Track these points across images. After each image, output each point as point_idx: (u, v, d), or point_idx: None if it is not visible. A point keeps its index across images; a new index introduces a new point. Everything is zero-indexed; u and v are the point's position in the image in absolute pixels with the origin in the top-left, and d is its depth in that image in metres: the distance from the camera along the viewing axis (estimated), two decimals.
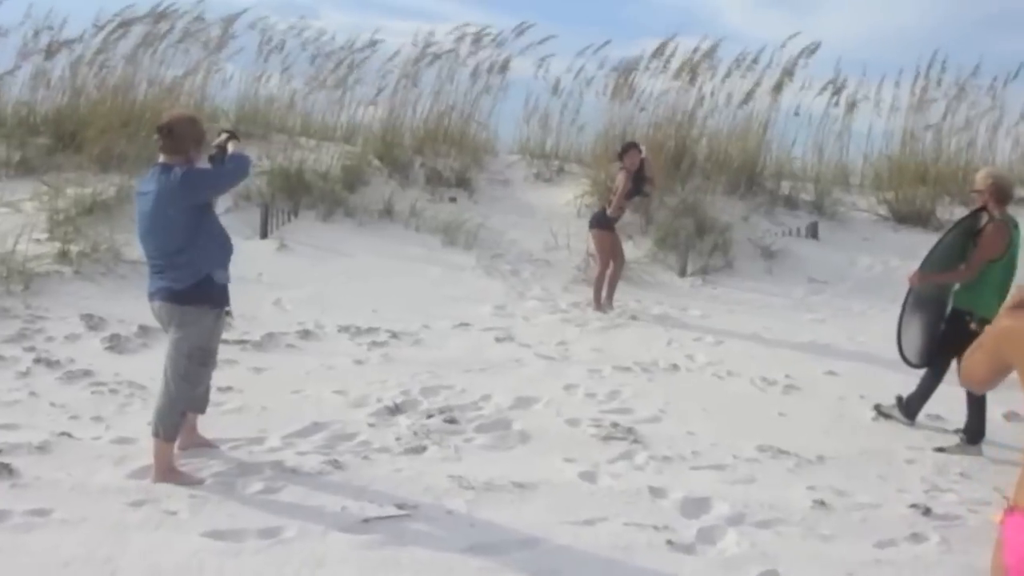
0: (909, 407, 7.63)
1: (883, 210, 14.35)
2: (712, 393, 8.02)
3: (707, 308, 10.84)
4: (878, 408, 7.77)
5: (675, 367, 8.63)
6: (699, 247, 12.19)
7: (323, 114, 15.95)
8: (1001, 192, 7.35)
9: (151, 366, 6.96)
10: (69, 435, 5.89)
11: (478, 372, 8.03)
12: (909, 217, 14.12)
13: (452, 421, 6.77)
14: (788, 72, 15.05)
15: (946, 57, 15.66)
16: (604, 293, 10.48)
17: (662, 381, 8.24)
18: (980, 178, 7.66)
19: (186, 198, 5.16)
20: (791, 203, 14.12)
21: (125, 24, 13.91)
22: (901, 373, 8.93)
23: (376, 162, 13.99)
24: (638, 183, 10.46)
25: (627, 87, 14.73)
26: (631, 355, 8.82)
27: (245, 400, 6.79)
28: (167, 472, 5.31)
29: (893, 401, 7.73)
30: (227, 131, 5.79)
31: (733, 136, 14.44)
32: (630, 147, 10.62)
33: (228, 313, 5.60)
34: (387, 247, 11.67)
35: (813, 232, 13.29)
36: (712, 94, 14.79)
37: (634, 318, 10.28)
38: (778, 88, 14.79)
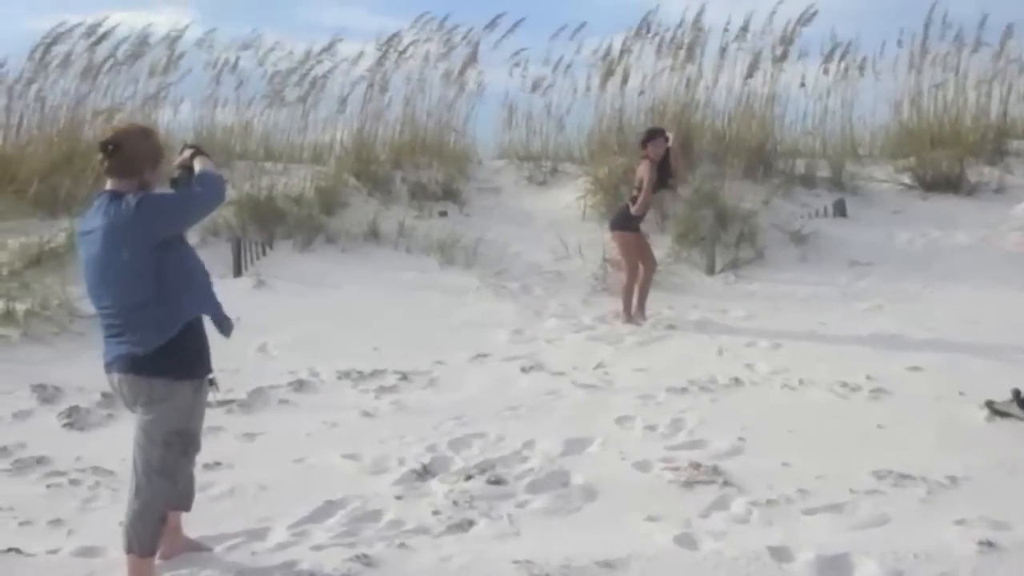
0: None
1: (907, 178, 13.15)
2: (791, 409, 6.75)
3: (749, 307, 9.57)
4: (991, 406, 6.52)
5: (737, 381, 7.34)
6: (724, 240, 10.92)
7: (286, 134, 14.62)
8: None
9: (119, 444, 5.58)
10: (18, 551, 4.51)
11: (511, 413, 6.72)
12: (936, 184, 12.93)
13: (497, 481, 5.45)
14: (788, 40, 13.85)
15: (946, 12, 14.57)
16: (635, 302, 9.18)
17: (728, 401, 6.96)
18: None
19: (146, 233, 3.85)
20: (808, 182, 12.89)
21: (54, 44, 12.53)
22: (989, 359, 7.81)
23: (353, 181, 12.66)
24: (662, 175, 9.15)
25: (618, 72, 13.41)
26: (682, 372, 7.53)
27: (238, 478, 5.44)
28: None
29: (1007, 395, 6.49)
30: (191, 146, 4.45)
31: (739, 115, 13.17)
32: (656, 134, 9.26)
33: (212, 382, 4.27)
34: (378, 274, 10.34)
35: (841, 210, 12.08)
36: (710, 71, 13.54)
37: (672, 327, 8.99)
38: (781, 59, 13.56)
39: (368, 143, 13.54)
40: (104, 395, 6.74)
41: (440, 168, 13.10)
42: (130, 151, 3.93)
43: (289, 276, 10.08)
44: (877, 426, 6.33)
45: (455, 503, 5.13)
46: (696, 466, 5.60)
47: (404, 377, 7.49)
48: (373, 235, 11.17)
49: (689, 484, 5.37)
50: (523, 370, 7.72)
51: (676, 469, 5.57)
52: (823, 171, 13.18)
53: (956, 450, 5.85)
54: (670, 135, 9.24)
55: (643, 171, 9.05)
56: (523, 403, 6.91)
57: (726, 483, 5.36)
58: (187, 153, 4.34)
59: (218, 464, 5.59)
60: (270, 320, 8.82)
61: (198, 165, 4.24)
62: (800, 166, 13.06)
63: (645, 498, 5.22)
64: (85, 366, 7.28)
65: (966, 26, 14.46)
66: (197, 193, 4.06)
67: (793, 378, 7.36)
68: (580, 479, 5.45)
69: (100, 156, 3.97)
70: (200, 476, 4.71)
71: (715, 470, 5.53)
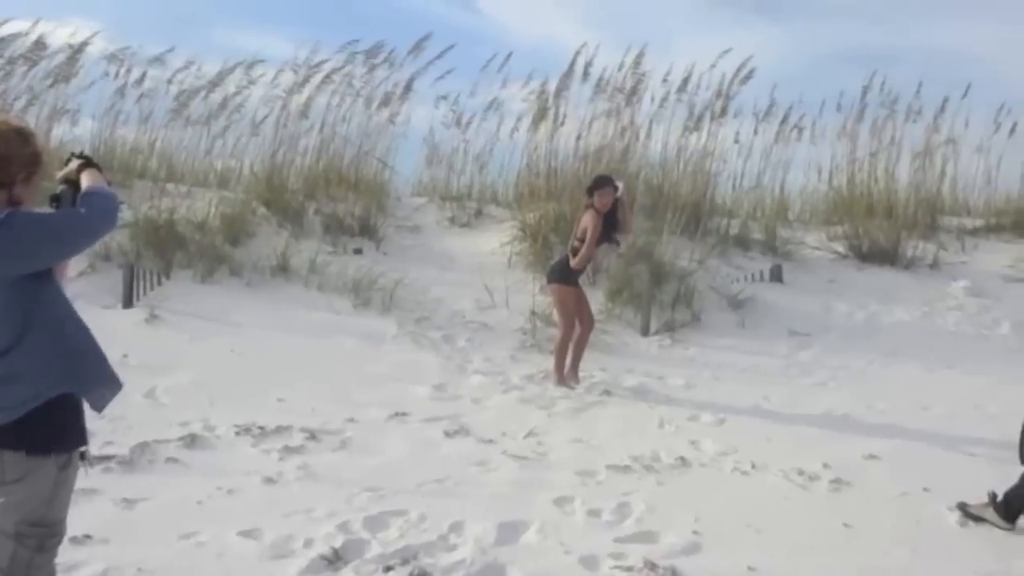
0: (1010, 507, 5.80)
1: (841, 247, 12.75)
2: (746, 498, 6.05)
3: (687, 375, 8.90)
4: (964, 509, 5.91)
5: (684, 461, 6.62)
6: (659, 299, 10.27)
7: (192, 156, 13.63)
8: None
9: None
10: None
11: (436, 486, 5.89)
12: (872, 255, 12.54)
13: (422, 575, 4.63)
14: (726, 97, 13.40)
15: (884, 79, 14.33)
16: (567, 362, 8.43)
17: (676, 484, 6.24)
18: None
19: (12, 262, 2.97)
20: (743, 243, 12.39)
21: None
22: (946, 450, 7.27)
23: (262, 210, 11.72)
24: (608, 228, 8.43)
25: (550, 114, 12.76)
26: (623, 446, 6.80)
27: (112, 557, 4.48)
28: None
29: (972, 495, 5.91)
30: (79, 156, 3.55)
31: (675, 169, 12.62)
32: (604, 182, 8.54)
33: (84, 456, 3.34)
34: (285, 313, 9.42)
35: (777, 276, 11.57)
36: (646, 121, 12.98)
37: (607, 393, 8.25)
38: (720, 115, 13.09)
39: (280, 170, 12.61)
40: None
41: (357, 202, 12.25)
42: None
43: (186, 310, 9.09)
44: (844, 525, 5.64)
45: None
46: (652, 566, 4.84)
47: (312, 436, 6.59)
48: (282, 269, 10.26)
49: None
50: (447, 434, 6.89)
51: (629, 570, 4.82)
52: (756, 233, 12.71)
53: (934, 558, 5.23)
54: (620, 185, 8.55)
55: (588, 221, 8.31)
56: (448, 474, 6.07)
57: None
58: (74, 164, 3.46)
59: (88, 538, 4.65)
60: (162, 359, 7.85)
61: (86, 180, 3.36)
62: (734, 226, 12.55)
63: None
64: None
65: (903, 96, 14.28)
66: (82, 215, 3.17)
67: (744, 461, 6.68)
68: None
69: None
70: (65, 553, 3.75)
71: (673, 572, 4.79)
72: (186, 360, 7.92)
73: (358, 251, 11.11)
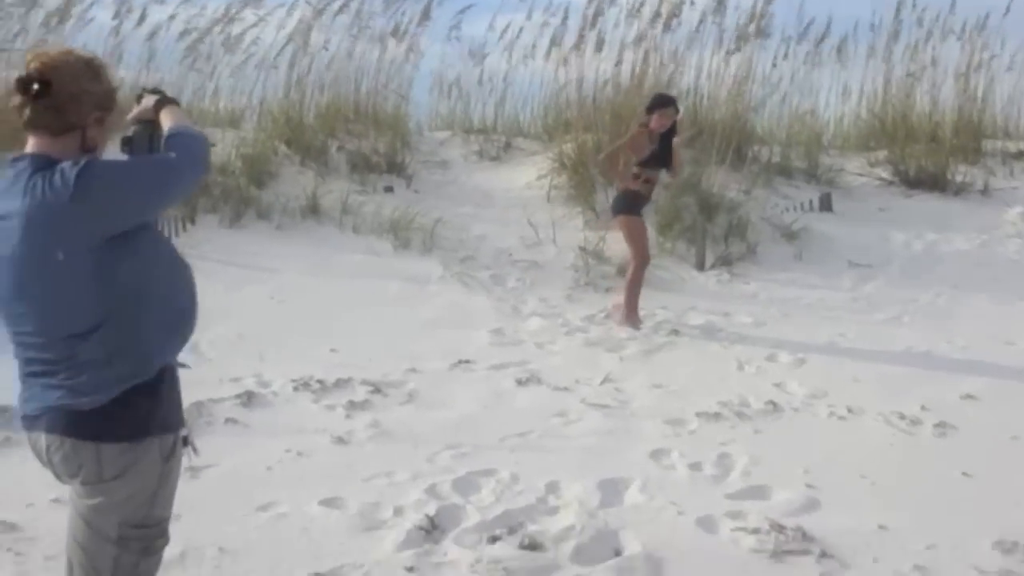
0: None
1: (886, 174, 12.20)
2: (852, 446, 5.60)
3: (753, 312, 8.39)
4: None
5: (774, 406, 6.17)
6: (711, 232, 9.76)
7: (199, 96, 12.91)
8: None
9: (22, 481, 4.24)
10: None
11: (519, 441, 5.44)
12: (920, 181, 11.99)
13: (532, 546, 4.17)
14: (759, 17, 12.72)
15: None
16: (624, 302, 7.90)
17: (773, 432, 5.79)
18: None
19: (94, 223, 2.44)
20: (785, 172, 11.82)
21: None
22: None
23: (283, 148, 11.12)
24: (661, 154, 7.88)
25: (588, 38, 12.09)
26: (707, 391, 6.34)
27: (189, 536, 3.94)
28: None
29: None
30: (152, 91, 3.01)
31: (715, 95, 12.00)
32: (666, 101, 7.94)
33: (186, 441, 2.86)
34: (322, 256, 8.86)
35: (827, 205, 11.02)
36: (685, 46, 12.31)
37: (675, 332, 7.75)
38: (757, 36, 12.42)
39: (297, 106, 11.97)
40: None
41: (379, 138, 11.64)
42: (67, 93, 2.49)
43: (217, 256, 8.54)
44: (963, 475, 5.21)
45: None
46: (779, 528, 4.40)
47: (376, 389, 6.12)
48: (312, 211, 9.68)
49: (778, 555, 4.18)
50: (519, 383, 6.42)
51: (755, 532, 4.38)
52: (797, 161, 12.14)
53: None
54: (681, 109, 7.98)
55: (633, 135, 7.86)
56: (529, 427, 5.61)
57: (824, 554, 4.18)
58: (149, 101, 2.92)
59: None
60: (200, 311, 7.31)
61: (167, 119, 2.84)
62: (775, 154, 11.97)
63: (725, 574, 4.03)
64: None
65: (940, 14, 13.62)
66: (172, 161, 2.65)
67: (838, 404, 6.22)
68: (636, 544, 4.20)
69: (18, 99, 2.50)
70: None
71: (803, 534, 4.35)
72: (225, 310, 7.39)
73: (389, 189, 10.54)
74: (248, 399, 5.83)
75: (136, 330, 2.52)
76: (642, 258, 7.88)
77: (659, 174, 8.07)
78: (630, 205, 7.85)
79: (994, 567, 4.15)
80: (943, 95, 13.37)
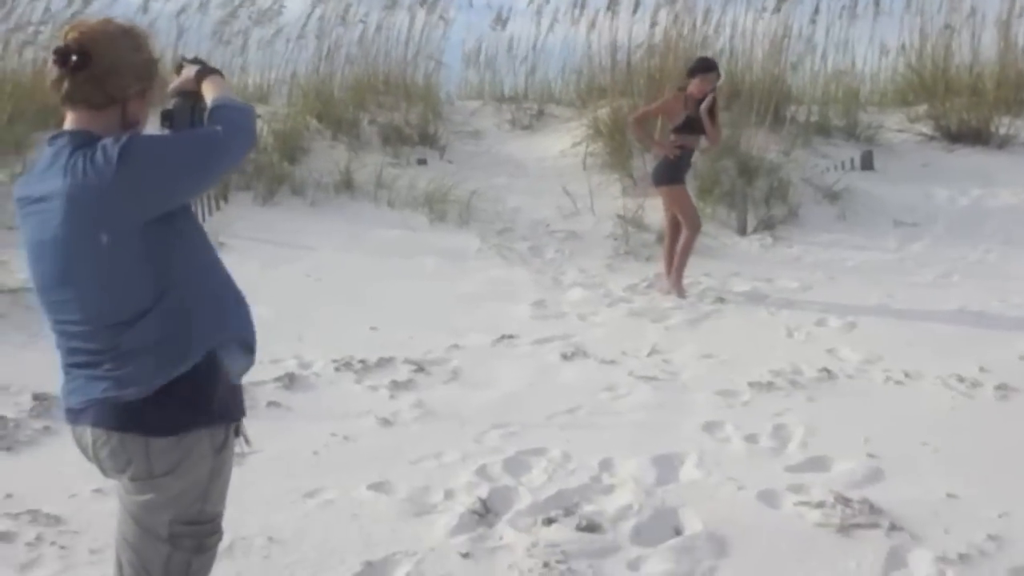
0: None
1: (927, 129, 11.90)
2: (911, 412, 5.42)
3: (799, 276, 8.21)
4: None
5: (829, 373, 5.99)
6: (752, 196, 9.54)
7: (225, 67, 12.75)
8: None
9: (64, 472, 4.14)
10: None
11: (568, 418, 5.31)
12: (961, 135, 11.68)
13: (590, 528, 4.03)
14: None
15: None
16: (667, 269, 7.74)
17: (828, 400, 5.62)
18: None
19: (139, 203, 2.30)
20: (823, 131, 11.54)
21: None
22: None
23: (314, 123, 10.99)
24: (697, 119, 7.66)
25: (619, 3, 11.85)
26: (758, 360, 6.18)
27: (236, 525, 3.69)
28: None
29: None
30: (192, 60, 2.84)
31: (749, 55, 11.72)
32: (709, 66, 7.74)
33: (238, 431, 2.66)
34: (357, 232, 8.74)
35: (868, 163, 10.76)
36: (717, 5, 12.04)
37: (721, 300, 7.58)
38: None
39: (327, 80, 11.82)
40: (38, 398, 5.18)
41: (410, 109, 11.48)
42: (107, 64, 2.35)
43: (252, 235, 8.45)
44: None
45: (546, 565, 3.71)
46: (844, 501, 4.25)
47: (419, 368, 6.00)
48: (346, 186, 9.56)
49: (845, 529, 4.02)
50: (564, 357, 6.28)
51: (820, 506, 4.22)
52: (835, 119, 11.86)
53: None
54: (722, 76, 7.77)
55: (665, 100, 7.71)
56: (577, 403, 5.48)
57: (893, 527, 4.02)
58: (190, 72, 2.76)
59: None
60: None
61: (210, 91, 2.66)
62: (813, 113, 11.70)
63: (794, 552, 3.87)
64: (8, 358, 5.77)
65: None
66: (218, 135, 2.46)
67: (894, 369, 6.04)
68: (696, 522, 4.06)
69: (56, 72, 2.36)
70: None
71: (870, 507, 4.19)
72: (262, 289, 7.17)
73: (422, 161, 10.40)
74: (290, 381, 5.72)
75: (183, 316, 2.39)
76: (694, 226, 7.70)
77: (697, 140, 7.84)
78: (672, 174, 7.66)
79: None
80: (983, 45, 13.05)
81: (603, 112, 10.68)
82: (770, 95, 11.22)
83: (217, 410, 2.49)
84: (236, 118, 2.55)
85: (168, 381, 2.36)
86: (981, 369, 6.00)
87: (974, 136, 11.67)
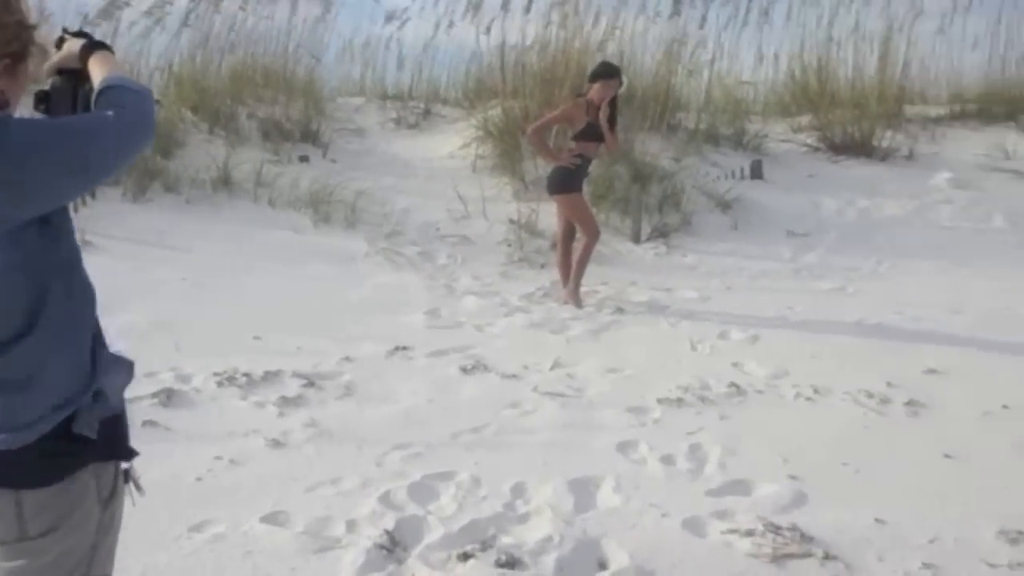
0: None
1: (811, 140, 12.00)
2: (824, 430, 5.26)
3: (696, 285, 8.05)
4: None
5: (737, 388, 5.80)
6: (646, 202, 9.36)
7: None
8: None
9: None
10: None
11: (474, 438, 4.96)
12: (845, 147, 11.81)
13: (511, 563, 3.70)
14: None
15: None
16: (571, 279, 7.47)
17: (741, 418, 5.41)
18: None
19: (17, 201, 1.84)
20: (712, 139, 11.51)
21: None
22: (997, 356, 6.64)
23: (189, 115, 10.38)
24: (594, 127, 7.40)
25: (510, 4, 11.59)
26: (664, 375, 5.95)
27: (114, 570, 3.43)
28: None
29: None
30: (75, 33, 2.34)
31: (641, 58, 11.60)
32: (612, 72, 7.49)
33: (127, 476, 2.23)
34: (237, 233, 8.23)
35: (758, 172, 10.77)
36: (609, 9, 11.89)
37: (620, 310, 7.35)
38: None
39: (203, 70, 11.21)
40: None
41: (290, 103, 10.97)
42: None
43: (121, 234, 7.84)
44: (944, 456, 4.92)
45: None
46: (775, 529, 4.02)
47: (309, 382, 5.56)
48: (224, 183, 9.02)
49: (778, 559, 3.79)
50: (464, 371, 5.93)
51: (749, 534, 3.99)
52: (723, 127, 11.85)
53: None
54: (624, 81, 7.52)
55: (566, 109, 7.46)
56: (483, 421, 5.14)
57: (827, 556, 3.81)
58: (73, 46, 2.28)
59: None
60: (105, 295, 6.36)
61: (98, 69, 2.19)
62: (702, 120, 11.65)
63: None
64: None
65: None
66: (110, 121, 1.99)
67: (802, 384, 5.89)
68: (622, 555, 3.77)
69: None
70: None
71: (801, 534, 3.97)
72: (134, 294, 6.74)
73: (304, 159, 9.91)
74: (167, 397, 5.22)
75: (62, 347, 1.96)
76: (593, 233, 7.46)
77: (597, 147, 7.59)
78: (568, 182, 7.39)
79: (1003, 559, 3.85)
80: (864, 60, 13.27)
81: (493, 113, 10.38)
82: (664, 102, 11.12)
83: (104, 451, 2.06)
84: (132, 102, 2.07)
85: (51, 422, 1.93)
86: (888, 384, 5.90)
87: (857, 148, 11.84)
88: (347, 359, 5.99)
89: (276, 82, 11.39)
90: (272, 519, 3.97)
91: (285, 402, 5.27)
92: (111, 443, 2.09)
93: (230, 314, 6.62)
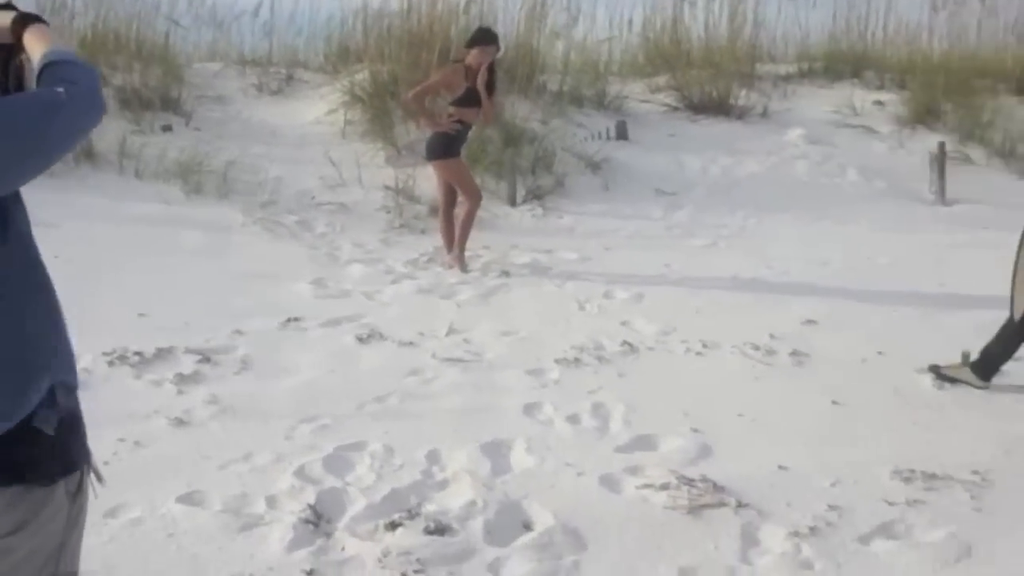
0: (988, 366, 5.49)
1: (670, 100, 12.26)
2: (718, 384, 5.46)
3: (576, 247, 8.17)
4: (937, 372, 5.56)
5: (630, 347, 5.94)
6: (519, 165, 9.42)
7: None
8: None
9: None
10: None
11: (379, 407, 4.95)
12: (703, 107, 12.12)
13: (440, 530, 3.73)
14: None
15: None
16: (456, 244, 7.47)
17: (638, 375, 5.56)
18: None
19: None
20: (575, 100, 11.63)
21: None
22: (867, 304, 6.99)
23: None
24: (473, 93, 7.40)
25: None
26: (557, 336, 6.06)
27: None
28: None
29: (955, 359, 5.57)
30: (5, 6, 2.20)
31: (507, 20, 11.60)
32: (490, 38, 7.48)
33: (92, 470, 2.16)
34: (106, 206, 7.90)
35: (623, 133, 10.95)
36: None
37: (506, 273, 7.41)
38: None
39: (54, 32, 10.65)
40: None
41: (146, 71, 10.57)
42: None
43: None
44: (832, 403, 5.18)
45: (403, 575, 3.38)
46: (688, 481, 4.16)
47: (204, 358, 5.43)
48: (86, 155, 8.62)
49: (695, 510, 3.93)
50: (360, 340, 5.88)
51: (664, 488, 4.11)
52: (585, 88, 11.98)
53: (947, 433, 4.84)
54: (502, 48, 7.53)
55: (444, 75, 7.45)
56: (387, 390, 5.12)
57: (740, 504, 3.97)
58: (3, 19, 2.09)
59: None
60: None
61: (37, 44, 2.02)
62: (566, 83, 11.75)
63: (651, 538, 3.73)
64: None
65: None
66: (60, 97, 1.87)
67: (691, 339, 6.08)
68: (546, 515, 3.84)
69: None
70: None
71: (714, 486, 4.13)
72: None
73: (167, 128, 9.57)
74: None
75: (17, 335, 1.88)
76: (475, 197, 7.48)
77: (477, 113, 7.57)
78: (448, 148, 7.38)
79: (901, 497, 4.08)
80: (714, 21, 13.61)
81: (360, 77, 10.24)
82: (530, 64, 11.17)
83: (73, 451, 2.01)
84: (80, 77, 1.95)
85: (11, 423, 1.85)
86: (771, 336, 6.15)
87: (715, 107, 12.15)
88: (239, 332, 5.87)
89: (128, 48, 10.94)
90: (188, 499, 3.89)
91: (182, 379, 5.14)
92: (75, 450, 2.04)
93: (110, 291, 6.38)
